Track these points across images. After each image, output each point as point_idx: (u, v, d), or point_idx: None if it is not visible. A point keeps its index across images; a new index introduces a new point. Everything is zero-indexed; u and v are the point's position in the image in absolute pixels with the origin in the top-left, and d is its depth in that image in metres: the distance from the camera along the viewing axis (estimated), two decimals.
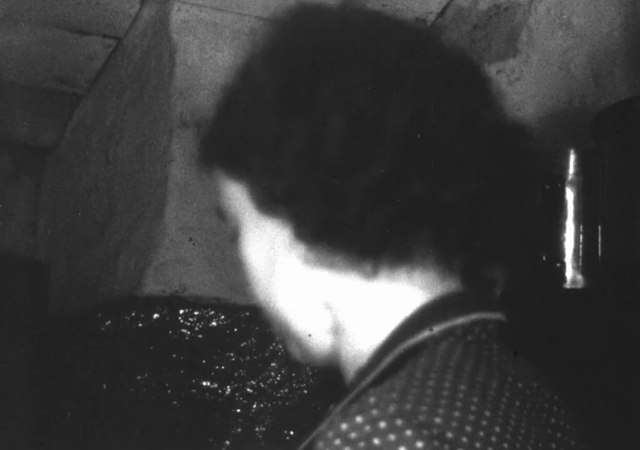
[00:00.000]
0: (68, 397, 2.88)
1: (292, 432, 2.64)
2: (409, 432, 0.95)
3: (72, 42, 3.01)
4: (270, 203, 1.16)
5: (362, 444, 0.95)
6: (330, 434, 0.97)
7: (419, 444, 0.95)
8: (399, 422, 0.96)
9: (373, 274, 1.13)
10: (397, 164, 1.10)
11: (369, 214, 1.10)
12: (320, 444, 0.97)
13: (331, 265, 1.14)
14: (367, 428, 0.96)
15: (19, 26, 2.96)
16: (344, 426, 0.97)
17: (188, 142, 2.70)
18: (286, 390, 2.66)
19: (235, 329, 2.65)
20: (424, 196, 1.10)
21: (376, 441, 0.95)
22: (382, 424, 0.96)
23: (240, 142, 1.19)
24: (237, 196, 1.20)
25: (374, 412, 0.97)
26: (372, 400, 0.99)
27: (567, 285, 1.98)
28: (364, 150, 1.11)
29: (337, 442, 0.96)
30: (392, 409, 0.97)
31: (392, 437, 0.95)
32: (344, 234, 1.12)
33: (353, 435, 0.96)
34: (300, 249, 1.15)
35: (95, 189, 3.14)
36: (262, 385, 2.65)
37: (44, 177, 3.49)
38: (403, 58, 1.15)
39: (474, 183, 1.12)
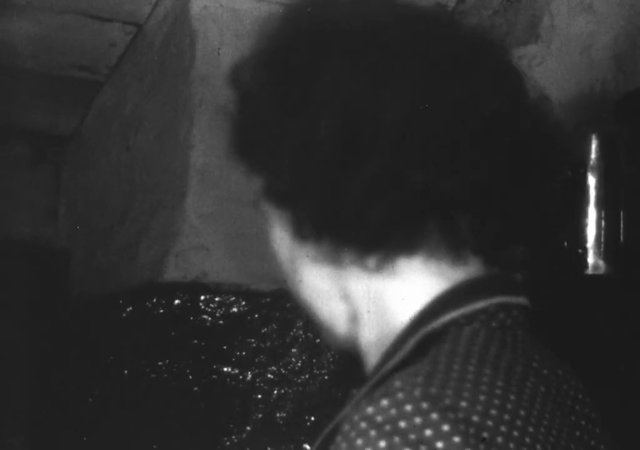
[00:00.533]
0: (89, 382, 2.89)
1: (312, 418, 2.64)
2: (434, 416, 0.95)
3: (93, 29, 3.01)
4: (276, 201, 1.17)
5: (388, 427, 0.95)
6: (356, 417, 0.97)
7: (445, 427, 0.95)
8: (424, 405, 0.96)
9: (378, 268, 1.13)
10: (401, 153, 1.10)
11: (370, 208, 1.10)
12: (346, 427, 0.97)
13: (336, 261, 1.14)
14: (393, 411, 0.96)
15: (39, 13, 2.97)
16: (369, 409, 0.97)
17: (208, 129, 2.70)
18: (307, 376, 2.66)
19: (256, 315, 2.65)
20: (434, 184, 1.10)
21: (402, 424, 0.95)
22: (408, 407, 0.96)
23: (250, 135, 1.19)
24: (261, 191, 1.21)
25: (400, 395, 0.97)
26: (397, 384, 0.99)
27: (589, 271, 1.98)
28: (366, 141, 1.10)
29: (363, 425, 0.96)
30: (417, 392, 0.97)
31: (418, 420, 0.95)
32: (346, 230, 1.12)
33: (379, 418, 0.96)
34: (308, 245, 1.15)
35: (116, 176, 3.15)
36: (283, 371, 2.66)
37: (64, 164, 3.49)
38: (419, 43, 1.14)
39: (489, 168, 1.11)
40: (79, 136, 3.42)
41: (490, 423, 0.97)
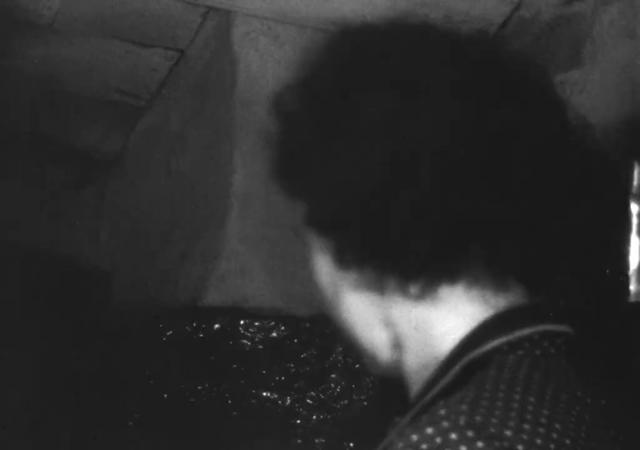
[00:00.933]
0: (130, 407, 2.90)
1: (352, 444, 2.63)
2: (480, 444, 0.95)
3: (135, 55, 3.04)
4: (317, 229, 1.17)
5: None
6: (400, 445, 0.97)
7: None
8: (470, 433, 0.96)
9: (421, 296, 1.13)
10: (443, 183, 1.10)
11: (413, 237, 1.10)
12: None
13: (380, 289, 1.14)
14: (438, 439, 0.96)
15: (83, 39, 3.00)
16: (414, 437, 0.97)
17: (249, 153, 2.72)
18: (346, 402, 2.66)
19: (296, 340, 2.65)
20: (476, 212, 1.10)
21: None
22: (453, 436, 0.96)
23: (292, 161, 1.20)
24: (300, 219, 1.21)
25: (445, 423, 0.97)
26: (442, 412, 0.99)
27: (631, 298, 1.97)
28: (408, 171, 1.11)
29: None
30: (462, 420, 0.97)
31: (463, 448, 0.95)
32: (388, 258, 1.12)
33: (424, 446, 0.96)
34: (350, 272, 1.15)
35: (157, 200, 3.17)
36: (322, 396, 2.66)
37: (107, 187, 3.52)
38: (457, 72, 1.14)
39: (531, 195, 1.11)
40: (122, 160, 3.45)
41: None
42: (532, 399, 1.02)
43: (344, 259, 1.14)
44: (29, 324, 3.06)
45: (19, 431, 2.97)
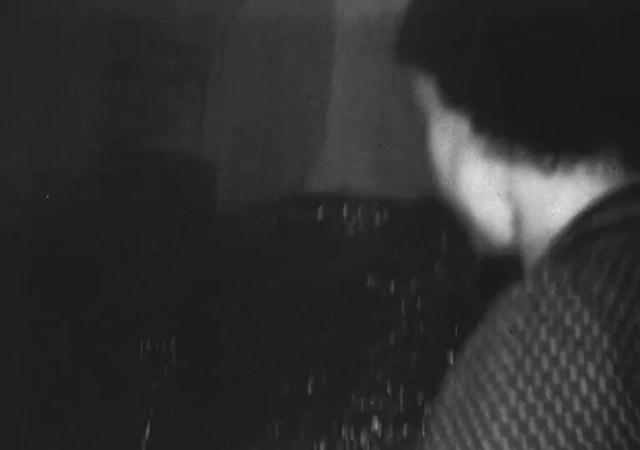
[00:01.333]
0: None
1: (457, 328, 2.65)
2: (578, 305, 0.96)
3: None
4: (453, 97, 1.16)
5: (529, 305, 0.96)
6: (502, 300, 0.98)
7: (586, 317, 0.95)
8: (570, 290, 0.96)
9: (552, 167, 1.12)
10: (584, 58, 1.08)
11: (551, 109, 1.09)
12: (490, 311, 0.99)
13: (511, 158, 1.14)
14: (536, 291, 0.97)
15: None
16: (514, 293, 0.98)
17: (352, 40, 2.69)
18: (452, 287, 2.67)
19: (399, 225, 2.66)
20: (613, 93, 1.08)
21: (543, 303, 0.96)
22: (553, 290, 0.96)
23: (427, 40, 1.19)
24: (425, 91, 1.21)
25: (544, 279, 0.98)
26: (544, 269, 1.00)
27: None
28: (548, 43, 1.09)
29: (506, 304, 0.97)
30: (565, 278, 0.98)
31: (559, 300, 0.96)
32: (525, 127, 1.11)
33: (521, 297, 0.97)
34: (481, 141, 1.15)
35: (259, 88, 3.17)
36: (426, 282, 2.67)
37: (209, 78, 3.53)
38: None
39: None
40: (224, 50, 3.45)
41: (636, 320, 0.96)
42: (637, 273, 1.02)
43: (480, 125, 1.13)
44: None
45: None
